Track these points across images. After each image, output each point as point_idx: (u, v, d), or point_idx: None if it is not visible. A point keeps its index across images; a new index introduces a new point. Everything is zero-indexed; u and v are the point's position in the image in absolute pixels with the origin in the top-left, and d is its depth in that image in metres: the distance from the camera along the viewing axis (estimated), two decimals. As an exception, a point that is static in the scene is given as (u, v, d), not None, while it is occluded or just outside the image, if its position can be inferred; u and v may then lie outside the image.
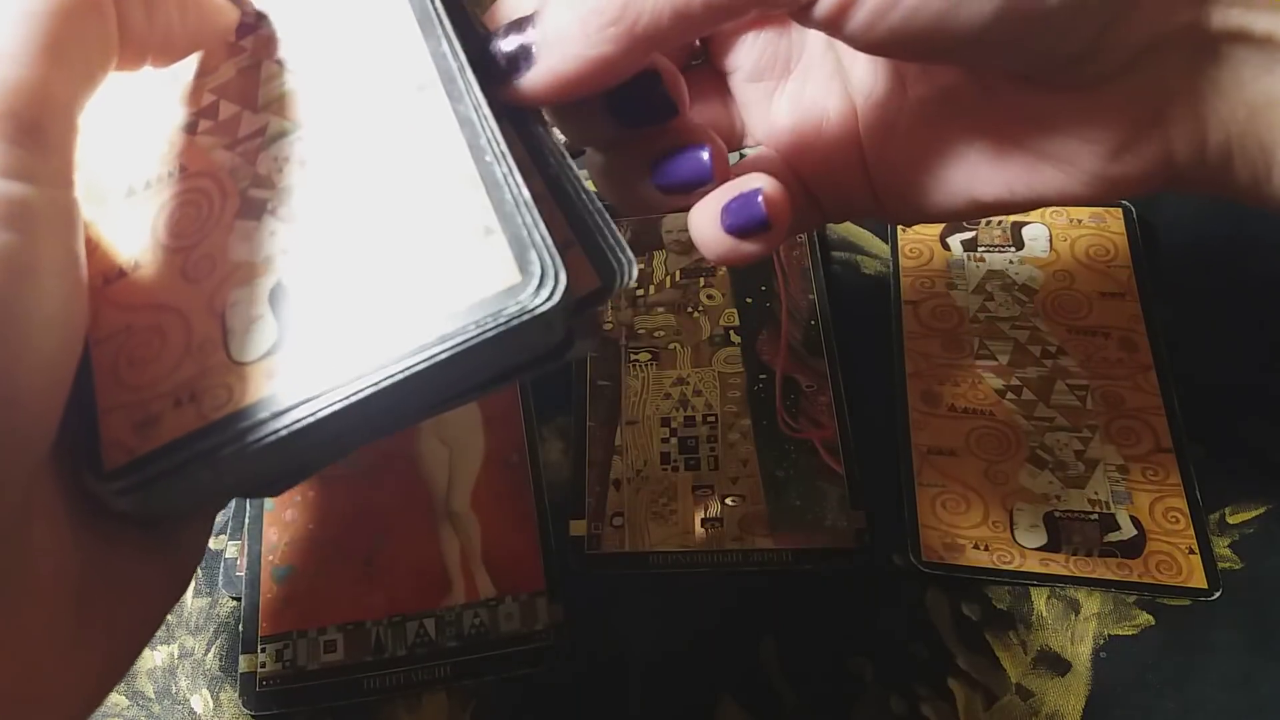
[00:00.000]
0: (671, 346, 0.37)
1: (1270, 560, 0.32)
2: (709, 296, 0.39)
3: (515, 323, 0.15)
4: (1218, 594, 0.31)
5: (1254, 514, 0.33)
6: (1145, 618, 0.31)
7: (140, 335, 0.17)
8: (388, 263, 0.17)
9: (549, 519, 0.33)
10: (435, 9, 0.19)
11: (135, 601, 0.18)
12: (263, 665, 0.31)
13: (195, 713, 0.31)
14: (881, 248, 0.40)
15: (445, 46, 0.18)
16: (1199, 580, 0.31)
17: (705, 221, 0.22)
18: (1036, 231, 0.39)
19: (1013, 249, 0.39)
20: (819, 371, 0.36)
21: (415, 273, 0.16)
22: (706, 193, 0.22)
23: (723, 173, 0.22)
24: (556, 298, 0.15)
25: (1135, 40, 0.18)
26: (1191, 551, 0.31)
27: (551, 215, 0.18)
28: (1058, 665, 0.31)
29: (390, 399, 0.16)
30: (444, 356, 0.15)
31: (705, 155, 0.21)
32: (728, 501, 0.34)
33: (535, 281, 0.15)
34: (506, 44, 0.19)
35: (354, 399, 0.16)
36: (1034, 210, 0.38)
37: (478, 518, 0.33)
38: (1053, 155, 0.20)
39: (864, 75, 0.23)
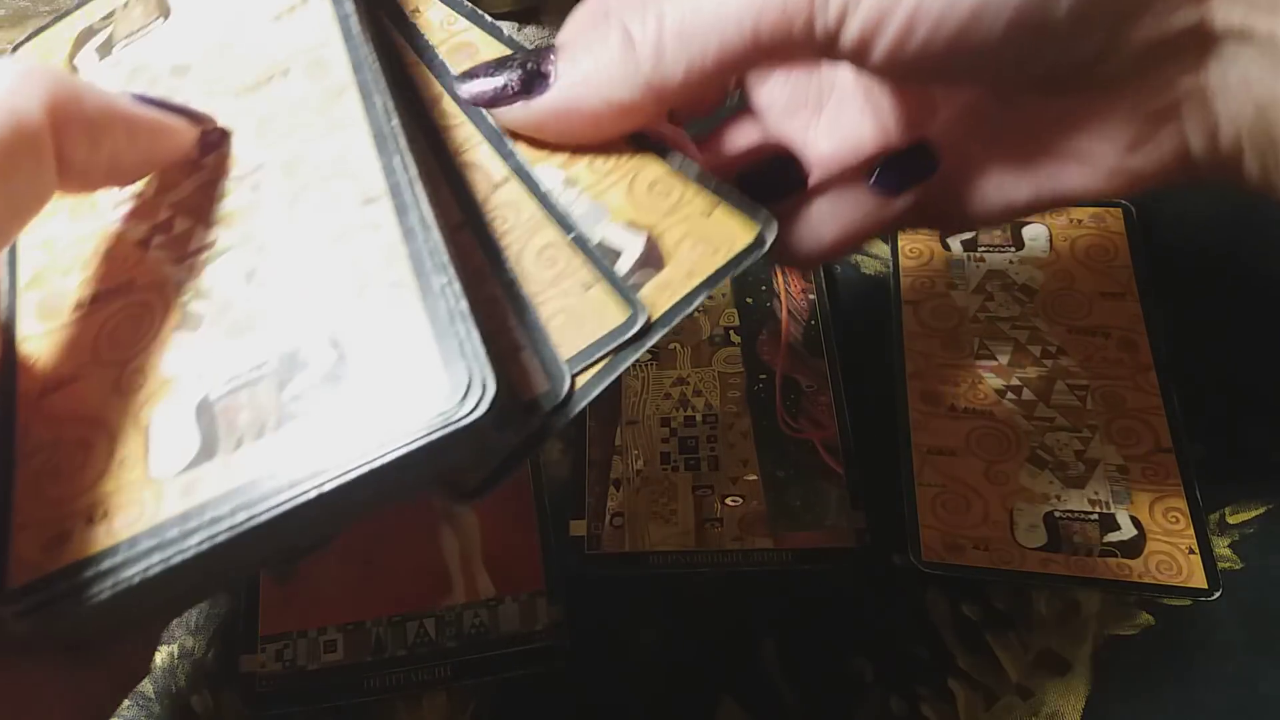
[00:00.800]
0: (671, 346, 0.37)
1: (1270, 560, 0.32)
2: (709, 296, 0.39)
3: (440, 434, 0.15)
4: (1218, 594, 0.31)
5: (1254, 514, 0.33)
6: (1145, 618, 0.31)
7: (66, 449, 0.17)
8: (317, 375, 0.17)
9: (549, 519, 0.33)
10: (392, 125, 0.19)
11: None
12: (263, 665, 0.31)
13: (195, 713, 0.31)
14: (881, 248, 0.40)
15: (398, 160, 0.18)
16: (1199, 580, 0.31)
17: (846, 201, 0.22)
18: (1036, 231, 0.39)
19: (1013, 249, 0.39)
20: (819, 371, 0.36)
21: (344, 386, 0.16)
22: (791, 202, 0.22)
23: (805, 177, 0.22)
24: (483, 409, 0.15)
25: (1141, 42, 0.18)
26: (1191, 551, 0.31)
27: (505, 320, 0.19)
28: (1058, 665, 0.31)
29: (307, 514, 0.16)
30: (363, 472, 0.15)
31: (791, 161, 0.22)
32: (728, 501, 0.34)
33: (462, 393, 0.15)
34: (525, 68, 0.20)
35: (262, 519, 0.15)
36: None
37: (478, 518, 0.33)
38: (1073, 154, 0.21)
39: (893, 102, 0.24)
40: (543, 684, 0.31)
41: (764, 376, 0.36)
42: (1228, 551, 0.32)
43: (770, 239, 0.19)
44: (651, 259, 0.20)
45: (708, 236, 0.20)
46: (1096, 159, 0.21)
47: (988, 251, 0.39)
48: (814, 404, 0.36)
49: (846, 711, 0.30)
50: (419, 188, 0.18)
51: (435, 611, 0.31)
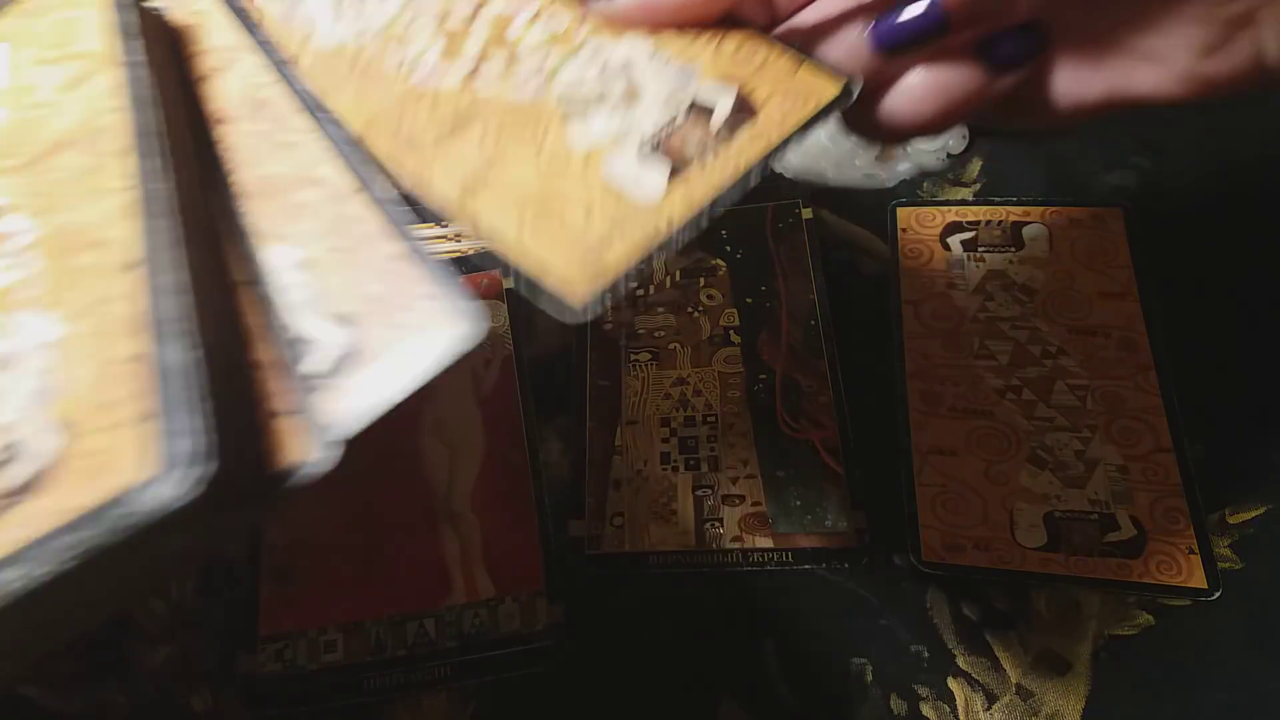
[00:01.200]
0: (671, 346, 0.37)
1: (1270, 560, 0.32)
2: (709, 296, 0.39)
3: (145, 517, 0.15)
4: (1218, 594, 0.31)
5: (1254, 514, 0.33)
6: (1145, 618, 0.31)
7: None
8: (36, 463, 0.16)
9: (549, 519, 0.33)
10: (159, 188, 0.19)
11: None
12: (263, 665, 0.31)
13: (195, 713, 0.31)
14: (881, 248, 0.40)
15: (161, 223, 0.18)
16: (1199, 580, 0.31)
17: (949, 73, 0.22)
18: (1036, 231, 0.39)
19: (1013, 249, 0.39)
20: (819, 371, 0.36)
21: (59, 473, 0.16)
22: (931, 51, 0.22)
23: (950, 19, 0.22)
24: (185, 488, 0.14)
25: None
26: (1191, 551, 0.31)
27: (277, 385, 0.18)
28: (1058, 665, 0.31)
29: (18, 613, 0.15)
30: (65, 565, 0.14)
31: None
32: (728, 502, 0.34)
33: (173, 474, 0.15)
34: None
35: None
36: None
37: (478, 518, 0.33)
38: (1149, 55, 0.21)
39: None
40: (543, 684, 0.31)
41: (764, 376, 0.36)
42: (1228, 551, 0.32)
43: (856, 90, 0.20)
44: (744, 109, 0.20)
45: (795, 90, 0.21)
46: (1170, 61, 0.21)
47: (988, 251, 0.39)
48: (814, 404, 0.36)
49: (846, 711, 0.30)
50: (179, 251, 0.17)
51: (435, 611, 0.31)
